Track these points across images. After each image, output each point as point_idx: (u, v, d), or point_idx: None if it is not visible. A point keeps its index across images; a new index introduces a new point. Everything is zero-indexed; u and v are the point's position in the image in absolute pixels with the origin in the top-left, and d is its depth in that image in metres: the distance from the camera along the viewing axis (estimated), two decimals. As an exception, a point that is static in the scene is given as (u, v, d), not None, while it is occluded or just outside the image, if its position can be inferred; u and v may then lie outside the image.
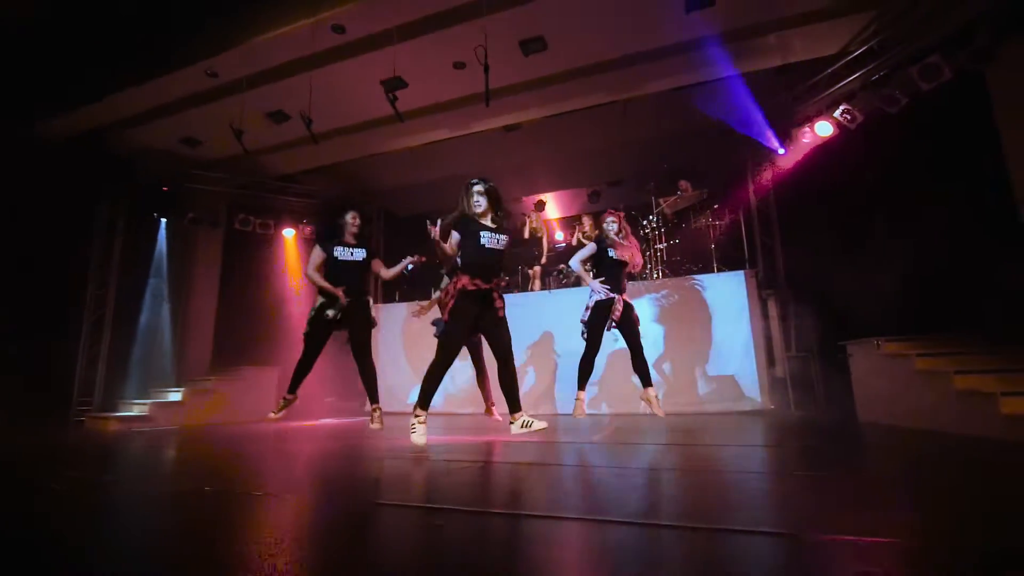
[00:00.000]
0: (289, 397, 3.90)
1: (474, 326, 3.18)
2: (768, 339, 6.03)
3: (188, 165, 7.12)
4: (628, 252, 3.94)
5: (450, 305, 3.11)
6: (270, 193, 7.72)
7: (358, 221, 4.07)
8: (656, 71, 5.66)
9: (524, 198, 9.15)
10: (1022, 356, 3.68)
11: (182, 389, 6.40)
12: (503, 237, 3.20)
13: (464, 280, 3.11)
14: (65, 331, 6.23)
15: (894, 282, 4.83)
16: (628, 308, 3.86)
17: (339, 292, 3.81)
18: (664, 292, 6.59)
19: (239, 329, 7.37)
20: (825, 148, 5.42)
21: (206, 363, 7.27)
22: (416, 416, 3.10)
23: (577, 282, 7.89)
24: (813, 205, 5.65)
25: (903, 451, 2.94)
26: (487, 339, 3.26)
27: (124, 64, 5.51)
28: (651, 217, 7.14)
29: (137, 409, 6.03)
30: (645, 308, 6.43)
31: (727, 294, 6.24)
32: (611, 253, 3.87)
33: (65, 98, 5.80)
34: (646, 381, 3.83)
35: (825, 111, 5.32)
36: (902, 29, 4.60)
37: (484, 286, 3.12)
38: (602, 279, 3.88)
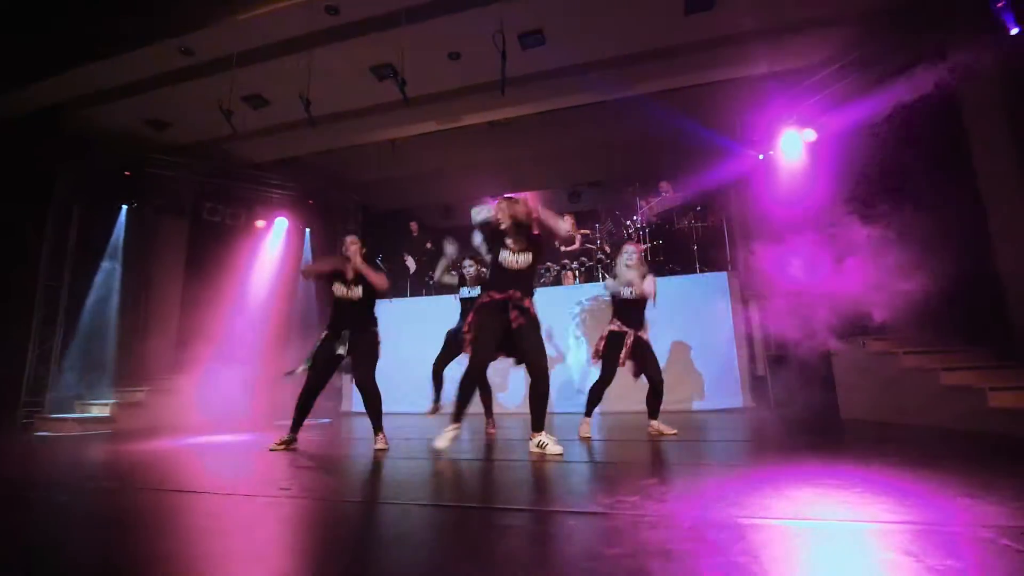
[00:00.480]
0: (291, 437, 3.53)
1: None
2: (750, 339, 6.19)
3: (153, 149, 6.66)
4: (641, 287, 3.81)
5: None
6: (243, 183, 7.32)
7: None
8: (649, 73, 5.70)
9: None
10: (997, 354, 3.90)
11: (142, 390, 5.98)
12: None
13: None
14: (13, 327, 5.69)
15: (870, 284, 5.04)
16: (642, 344, 3.74)
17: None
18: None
19: (206, 325, 6.95)
20: (808, 153, 5.60)
21: (168, 360, 6.82)
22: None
23: (558, 280, 7.90)
24: (794, 209, 5.82)
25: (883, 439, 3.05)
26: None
27: (88, 34, 5.08)
28: (635, 218, 7.20)
29: (96, 410, 5.58)
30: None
31: (710, 295, 6.36)
32: (624, 293, 3.78)
33: (18, 70, 5.30)
34: (653, 415, 3.78)
35: (809, 118, 5.50)
36: (885, 43, 4.80)
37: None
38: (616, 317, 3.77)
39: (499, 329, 3.06)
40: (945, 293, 4.53)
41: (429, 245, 8.09)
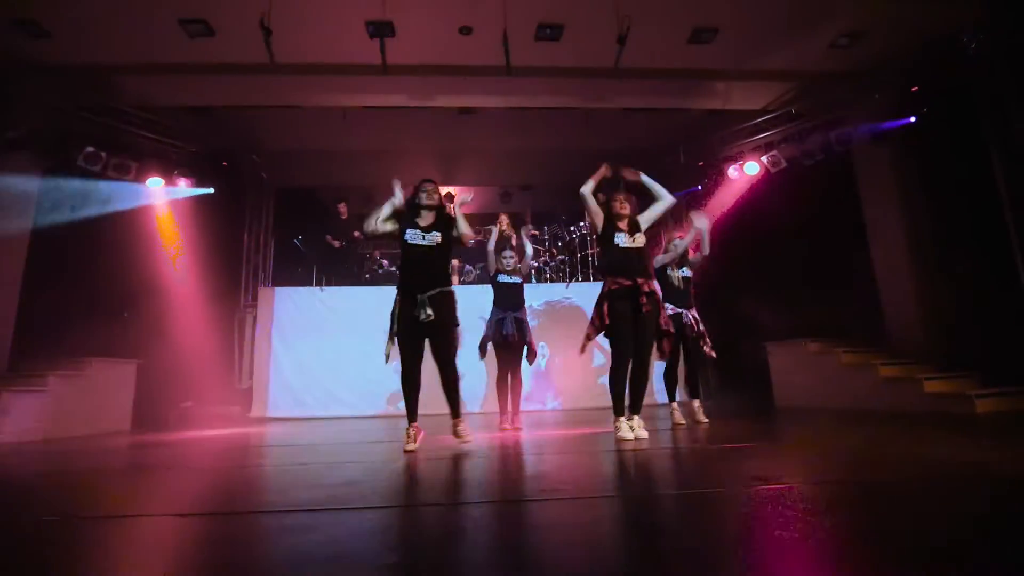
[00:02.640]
0: (415, 428, 2.91)
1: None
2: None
3: (16, 61, 4.83)
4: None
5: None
6: (134, 127, 5.72)
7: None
8: (630, 89, 6.09)
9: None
10: (888, 352, 5.10)
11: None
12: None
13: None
14: None
15: (796, 294, 6.16)
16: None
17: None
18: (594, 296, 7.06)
19: (71, 308, 5.23)
20: (746, 180, 6.59)
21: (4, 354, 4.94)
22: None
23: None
24: (735, 227, 6.72)
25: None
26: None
27: None
28: (582, 224, 7.56)
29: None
30: (577, 312, 6.79)
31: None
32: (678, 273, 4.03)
33: None
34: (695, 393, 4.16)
35: (749, 153, 6.49)
36: (818, 101, 5.96)
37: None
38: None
39: (631, 316, 3.00)
40: (848, 312, 5.81)
41: (358, 234, 7.34)
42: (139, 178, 5.70)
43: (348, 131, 6.78)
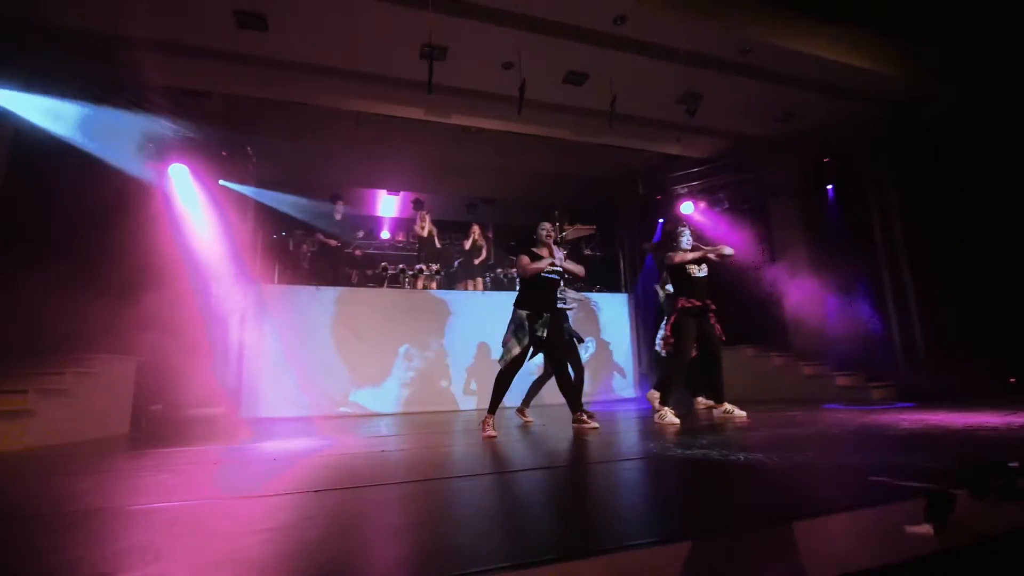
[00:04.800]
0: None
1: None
2: (639, 344, 8.19)
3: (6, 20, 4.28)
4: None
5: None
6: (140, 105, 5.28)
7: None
8: (617, 130, 7.09)
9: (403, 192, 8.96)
10: (797, 355, 6.76)
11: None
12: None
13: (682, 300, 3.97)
14: None
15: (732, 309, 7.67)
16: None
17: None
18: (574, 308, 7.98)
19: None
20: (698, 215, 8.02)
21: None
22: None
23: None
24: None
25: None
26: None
27: None
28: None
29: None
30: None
31: (615, 311, 8.14)
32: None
33: None
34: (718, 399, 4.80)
35: (693, 194, 7.94)
36: (752, 159, 7.57)
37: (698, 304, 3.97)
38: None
39: (695, 330, 3.93)
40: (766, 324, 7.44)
41: (361, 234, 7.41)
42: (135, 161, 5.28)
43: (349, 132, 6.86)
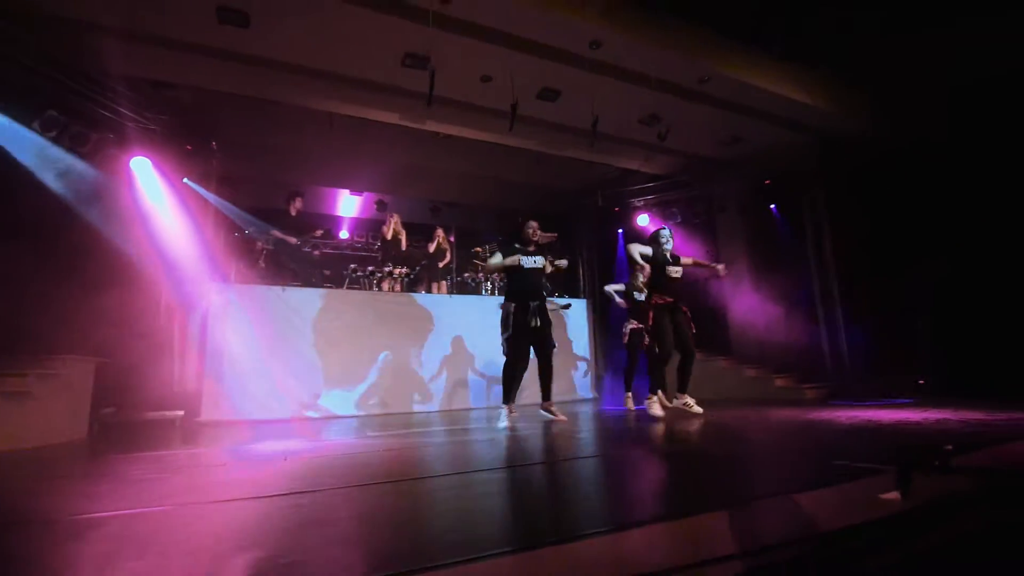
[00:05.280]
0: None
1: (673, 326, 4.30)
2: (596, 347, 8.61)
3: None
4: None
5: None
6: (97, 94, 5.03)
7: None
8: (584, 144, 7.47)
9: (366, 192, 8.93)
10: (739, 360, 7.40)
11: None
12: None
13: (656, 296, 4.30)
14: None
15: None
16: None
17: None
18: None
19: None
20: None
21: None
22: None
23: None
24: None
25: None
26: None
27: None
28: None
29: None
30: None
31: (575, 315, 8.51)
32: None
33: None
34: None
35: (649, 207, 8.48)
36: (702, 177, 8.19)
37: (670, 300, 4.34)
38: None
39: (672, 324, 4.29)
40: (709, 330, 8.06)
41: (320, 233, 7.33)
42: (110, 156, 5.04)
43: (321, 132, 6.81)
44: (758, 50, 5.88)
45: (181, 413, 5.79)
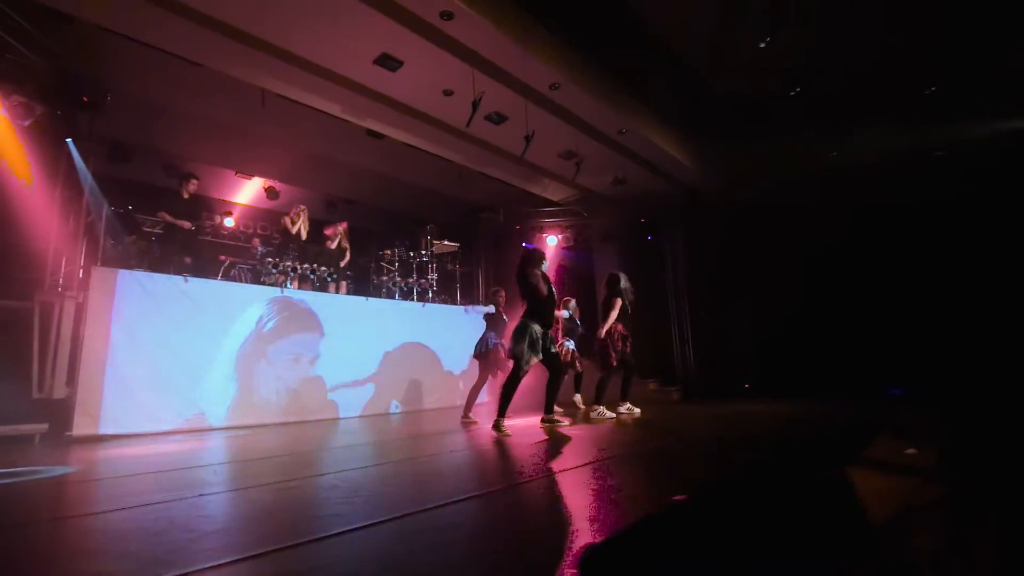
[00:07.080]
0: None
1: None
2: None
3: None
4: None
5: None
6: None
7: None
8: (501, 164, 8.03)
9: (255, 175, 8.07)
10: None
11: None
12: None
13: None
14: None
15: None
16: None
17: None
18: (428, 314, 8.45)
19: None
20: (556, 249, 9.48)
21: None
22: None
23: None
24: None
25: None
26: None
27: None
28: (423, 252, 8.75)
29: None
30: (419, 327, 8.11)
31: (473, 324, 8.93)
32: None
33: None
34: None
35: (544, 228, 9.45)
36: (590, 209, 9.46)
37: None
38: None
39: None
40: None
41: (219, 220, 6.45)
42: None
43: (240, 108, 6.07)
44: (662, 114, 7.27)
45: (44, 427, 4.62)
